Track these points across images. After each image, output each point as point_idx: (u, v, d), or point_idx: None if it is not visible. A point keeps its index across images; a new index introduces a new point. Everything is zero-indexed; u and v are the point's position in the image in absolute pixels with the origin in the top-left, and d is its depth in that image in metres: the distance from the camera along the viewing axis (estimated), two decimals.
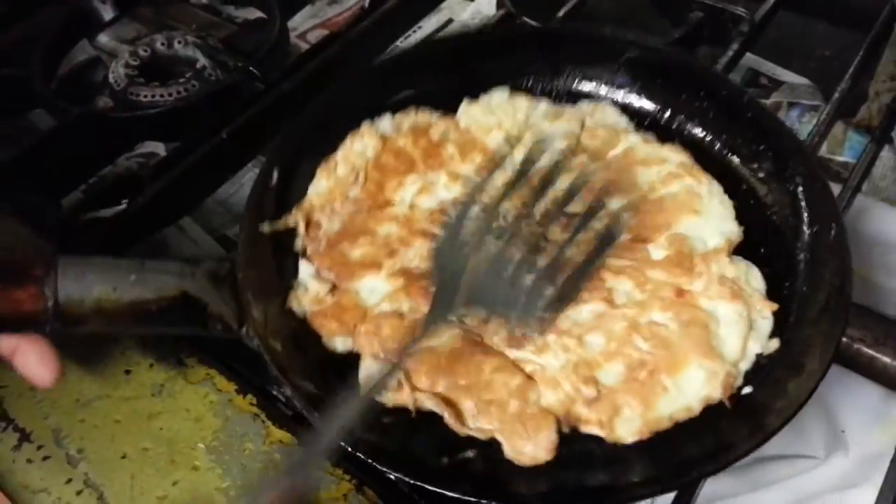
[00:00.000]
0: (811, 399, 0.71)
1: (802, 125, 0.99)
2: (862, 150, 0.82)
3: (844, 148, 0.97)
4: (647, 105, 0.73)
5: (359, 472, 0.56)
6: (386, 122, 0.71)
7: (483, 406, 0.53)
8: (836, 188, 0.72)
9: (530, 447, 0.51)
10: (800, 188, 0.63)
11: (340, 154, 0.68)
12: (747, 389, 0.55)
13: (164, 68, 0.96)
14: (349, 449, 0.49)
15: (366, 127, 0.69)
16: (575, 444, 0.53)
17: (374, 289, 0.60)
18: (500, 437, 0.52)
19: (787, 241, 0.63)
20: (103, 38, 1.19)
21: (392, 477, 0.55)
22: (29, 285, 0.52)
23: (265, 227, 0.63)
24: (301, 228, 0.64)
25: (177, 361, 0.63)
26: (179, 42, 0.98)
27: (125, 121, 0.89)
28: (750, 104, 0.69)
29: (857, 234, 0.83)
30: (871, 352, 0.69)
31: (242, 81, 0.89)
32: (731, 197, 0.65)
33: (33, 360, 0.53)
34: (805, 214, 0.62)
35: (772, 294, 0.59)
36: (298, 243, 0.63)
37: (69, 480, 0.57)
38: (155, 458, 0.57)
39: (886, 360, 0.69)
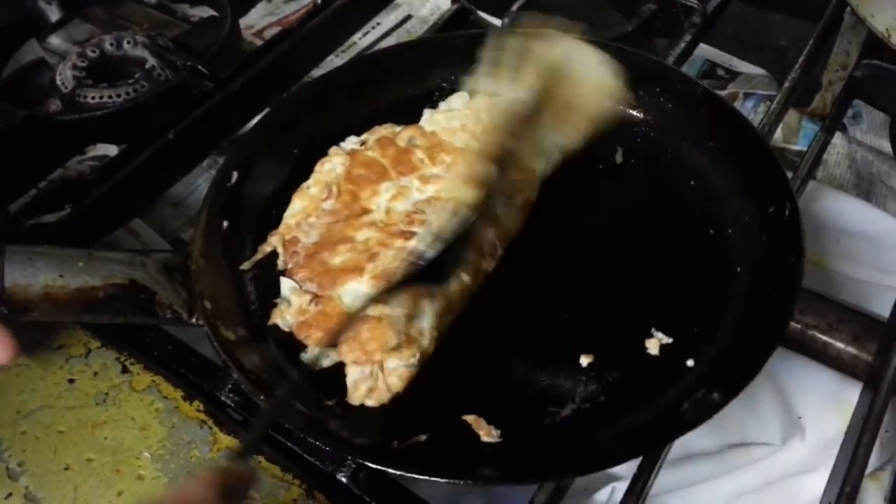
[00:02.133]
0: (768, 386, 0.72)
1: (757, 115, 1.00)
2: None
3: (799, 137, 0.98)
4: None
5: (308, 476, 0.55)
6: (350, 142, 0.72)
7: None
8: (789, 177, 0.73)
9: None
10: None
11: (312, 178, 0.69)
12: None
13: (114, 69, 0.94)
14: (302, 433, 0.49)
15: (333, 150, 0.71)
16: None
17: (357, 293, 0.60)
18: None
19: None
20: (55, 40, 1.16)
21: (343, 479, 0.54)
22: None
23: (245, 265, 0.63)
24: (279, 249, 0.64)
25: (122, 369, 0.61)
26: (129, 42, 0.95)
27: (72, 123, 0.87)
28: (706, 95, 0.69)
29: (811, 220, 0.84)
30: (824, 338, 0.70)
31: (191, 80, 0.87)
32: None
33: None
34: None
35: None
36: (280, 263, 0.63)
37: (9, 495, 0.55)
38: (99, 468, 0.56)
39: (840, 345, 0.69)
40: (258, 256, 0.64)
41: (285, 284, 0.61)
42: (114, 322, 0.61)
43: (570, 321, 0.59)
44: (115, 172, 0.76)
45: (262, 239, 0.65)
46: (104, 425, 0.58)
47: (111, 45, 0.96)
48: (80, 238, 0.74)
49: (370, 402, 0.54)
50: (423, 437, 0.52)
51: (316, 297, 0.60)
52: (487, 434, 0.52)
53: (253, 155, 0.69)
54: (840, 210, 0.85)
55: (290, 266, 0.63)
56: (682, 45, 0.83)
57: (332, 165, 0.69)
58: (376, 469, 0.53)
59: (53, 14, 1.06)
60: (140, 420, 0.58)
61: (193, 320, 0.57)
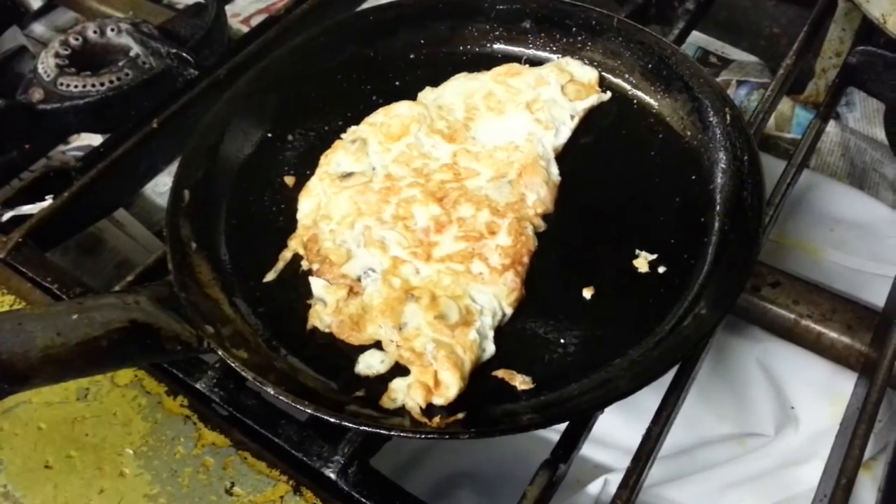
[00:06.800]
0: (761, 376, 0.72)
1: (751, 102, 0.99)
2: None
3: (792, 125, 0.97)
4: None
5: (296, 472, 0.54)
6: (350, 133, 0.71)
7: None
8: (782, 166, 0.72)
9: None
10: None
11: (318, 172, 0.68)
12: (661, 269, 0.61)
13: (97, 57, 0.92)
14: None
15: (338, 143, 0.70)
16: None
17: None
18: None
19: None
20: (38, 28, 1.14)
21: (332, 475, 0.53)
22: None
23: (270, 276, 0.62)
24: (301, 251, 0.63)
25: None
26: (112, 30, 0.93)
27: (55, 112, 0.85)
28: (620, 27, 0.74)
29: (805, 210, 0.83)
30: (818, 327, 0.69)
31: (176, 68, 0.85)
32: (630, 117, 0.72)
33: None
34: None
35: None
36: (304, 265, 0.62)
37: None
38: (80, 466, 0.55)
39: (834, 335, 0.69)
40: (280, 264, 0.62)
41: (316, 284, 0.60)
42: (123, 368, 0.58)
43: (568, 262, 0.63)
44: (99, 162, 0.74)
45: (237, 248, 0.64)
46: (85, 421, 0.57)
47: (94, 32, 0.93)
48: (64, 229, 0.73)
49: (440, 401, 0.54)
50: (461, 415, 0.52)
51: (352, 291, 0.59)
52: (522, 383, 0.55)
53: (201, 171, 0.68)
54: (833, 199, 0.85)
55: (316, 266, 0.61)
56: (676, 31, 0.82)
57: (338, 158, 0.68)
58: (365, 464, 0.54)
59: (36, 1, 1.04)
60: (122, 416, 0.57)
61: (204, 346, 0.54)
